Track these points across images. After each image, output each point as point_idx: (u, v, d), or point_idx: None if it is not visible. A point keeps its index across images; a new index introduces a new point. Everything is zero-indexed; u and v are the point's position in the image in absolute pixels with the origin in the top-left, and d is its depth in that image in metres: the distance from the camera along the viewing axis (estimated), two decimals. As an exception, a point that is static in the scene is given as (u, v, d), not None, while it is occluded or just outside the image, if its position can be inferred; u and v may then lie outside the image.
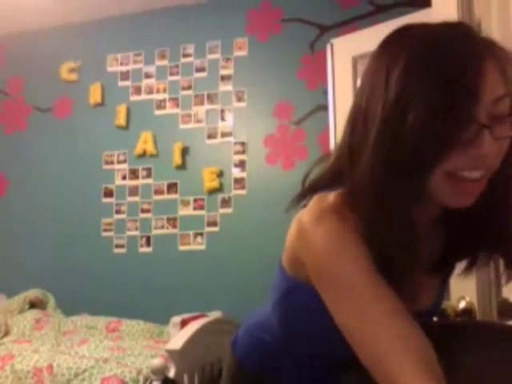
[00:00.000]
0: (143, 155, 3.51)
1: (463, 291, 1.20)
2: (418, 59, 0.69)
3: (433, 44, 0.69)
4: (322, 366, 0.90)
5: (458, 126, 0.67)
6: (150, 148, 3.49)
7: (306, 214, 0.77)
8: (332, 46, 2.20)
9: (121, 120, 3.57)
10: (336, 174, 0.81)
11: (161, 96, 3.56)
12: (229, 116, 3.42)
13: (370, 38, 2.04)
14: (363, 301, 0.70)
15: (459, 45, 0.68)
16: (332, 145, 2.21)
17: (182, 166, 3.43)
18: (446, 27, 0.72)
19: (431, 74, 0.67)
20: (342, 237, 0.73)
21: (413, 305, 0.74)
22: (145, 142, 3.50)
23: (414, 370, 0.63)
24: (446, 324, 1.04)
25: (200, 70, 3.52)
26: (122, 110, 3.58)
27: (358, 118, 0.76)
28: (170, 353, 2.11)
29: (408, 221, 0.72)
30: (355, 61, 2.08)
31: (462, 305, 1.19)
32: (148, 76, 3.62)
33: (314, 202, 0.79)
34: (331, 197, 0.77)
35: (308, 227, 0.76)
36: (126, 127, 3.59)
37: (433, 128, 0.66)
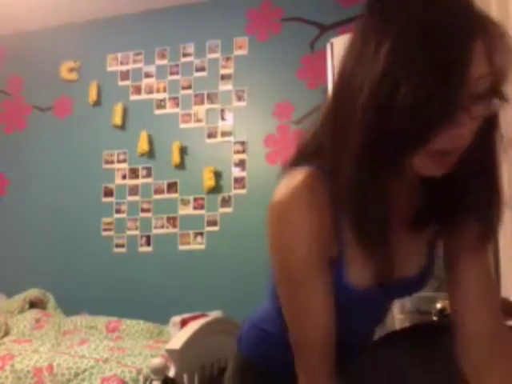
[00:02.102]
0: (143, 155, 3.51)
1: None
2: (410, 32, 0.66)
3: (425, 17, 0.66)
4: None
5: (445, 107, 0.65)
6: (150, 147, 3.49)
7: (275, 195, 0.80)
8: (332, 45, 2.20)
9: (120, 120, 3.56)
10: (314, 150, 0.81)
11: (161, 95, 3.56)
12: (229, 115, 3.42)
13: (369, 37, 2.03)
14: (295, 287, 0.80)
15: (452, 20, 0.65)
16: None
17: (182, 166, 3.43)
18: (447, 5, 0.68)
19: (422, 50, 0.64)
20: (297, 227, 0.77)
21: (392, 269, 0.79)
22: (145, 141, 3.50)
23: (320, 363, 0.82)
24: (446, 323, 1.04)
25: (200, 69, 3.52)
26: (121, 109, 3.57)
27: (342, 93, 0.75)
28: (170, 352, 2.11)
29: (386, 196, 0.74)
30: (355, 60, 2.07)
31: (462, 305, 1.18)
32: (148, 75, 3.61)
33: (284, 181, 0.80)
34: (302, 175, 0.78)
35: (271, 212, 0.80)
36: (126, 127, 3.59)
37: (422, 107, 0.64)
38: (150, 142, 3.50)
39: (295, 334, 0.85)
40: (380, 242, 0.76)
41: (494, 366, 0.82)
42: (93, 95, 3.65)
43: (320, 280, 0.80)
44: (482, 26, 0.68)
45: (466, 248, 0.84)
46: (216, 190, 3.35)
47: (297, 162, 0.82)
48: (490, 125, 0.73)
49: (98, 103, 3.66)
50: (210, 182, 3.33)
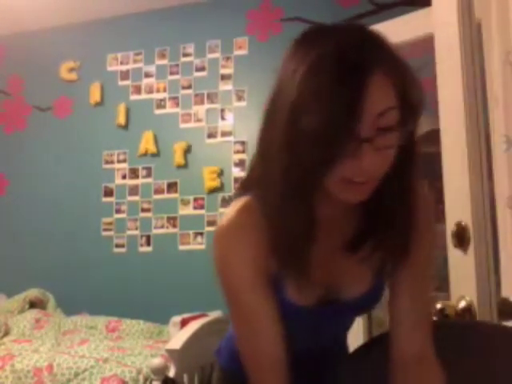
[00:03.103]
0: (144, 154, 3.51)
1: (463, 291, 1.20)
2: (318, 64, 0.70)
3: (332, 52, 0.70)
4: (299, 368, 0.91)
5: (340, 140, 0.69)
6: (150, 147, 3.49)
7: (219, 221, 0.86)
8: (332, 45, 2.19)
9: (121, 119, 3.56)
10: (251, 176, 0.88)
11: (161, 95, 3.56)
12: (229, 115, 3.42)
13: (369, 37, 2.03)
14: (242, 309, 0.84)
15: (348, 56, 0.69)
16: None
17: (182, 166, 3.43)
18: (345, 33, 0.74)
19: (326, 83, 0.69)
20: (236, 249, 0.83)
21: (324, 289, 0.85)
22: (145, 141, 3.50)
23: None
24: (447, 323, 1.04)
25: (200, 69, 3.52)
26: (121, 109, 3.57)
27: (267, 116, 0.82)
28: (170, 353, 2.11)
29: (308, 218, 0.78)
30: (355, 60, 2.08)
31: (462, 304, 1.19)
32: (148, 75, 3.61)
33: (228, 209, 0.86)
34: (240, 205, 0.84)
35: (214, 238, 0.85)
36: (126, 127, 3.59)
37: (322, 137, 0.69)
38: (151, 141, 3.50)
39: (245, 354, 0.87)
40: (299, 262, 0.80)
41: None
42: (96, 95, 3.65)
43: (263, 298, 0.84)
44: (381, 60, 0.71)
45: (401, 273, 0.88)
46: (216, 189, 3.35)
47: (241, 190, 0.89)
48: (407, 154, 0.77)
49: (98, 103, 3.66)
50: (212, 182, 3.33)
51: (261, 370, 0.84)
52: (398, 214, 0.81)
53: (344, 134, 0.69)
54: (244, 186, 0.89)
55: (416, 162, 0.80)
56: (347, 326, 1.06)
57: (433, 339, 0.87)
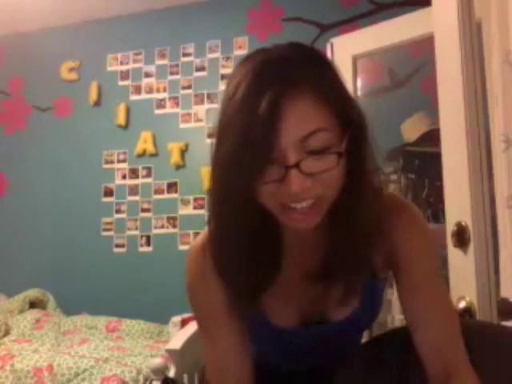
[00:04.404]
0: (143, 154, 3.51)
1: (463, 291, 1.20)
2: (234, 92, 0.68)
3: (246, 72, 0.68)
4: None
5: (259, 168, 0.66)
6: (150, 147, 3.48)
7: (194, 244, 0.88)
8: (332, 45, 2.19)
9: (120, 119, 3.56)
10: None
11: (161, 95, 3.56)
12: (229, 115, 3.41)
13: (370, 37, 2.03)
14: (209, 330, 0.86)
15: (265, 72, 0.66)
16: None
17: (182, 166, 3.43)
18: (274, 50, 0.72)
19: (234, 114, 0.66)
20: (200, 276, 0.84)
21: (304, 312, 0.85)
22: (145, 141, 3.50)
23: None
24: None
25: (200, 69, 3.52)
26: (121, 109, 3.57)
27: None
28: (170, 353, 2.11)
29: (251, 248, 0.76)
30: (355, 60, 2.08)
31: (462, 305, 1.19)
32: (148, 75, 3.61)
33: (198, 236, 0.88)
34: (200, 236, 0.86)
35: (186, 262, 0.88)
36: (126, 126, 3.59)
37: (237, 166, 0.66)
38: (150, 141, 3.49)
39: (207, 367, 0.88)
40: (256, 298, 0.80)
41: None
42: (94, 95, 3.65)
43: (230, 328, 0.84)
44: (313, 79, 0.67)
45: (404, 289, 0.85)
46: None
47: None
48: (354, 176, 0.73)
49: (98, 103, 3.66)
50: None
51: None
52: (353, 236, 0.77)
53: (260, 157, 0.65)
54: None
55: (370, 182, 0.76)
56: (353, 344, 1.02)
57: (464, 349, 0.80)
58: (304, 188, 0.67)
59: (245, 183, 0.67)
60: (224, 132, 0.69)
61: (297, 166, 0.66)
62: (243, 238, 0.75)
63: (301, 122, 0.66)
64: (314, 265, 0.82)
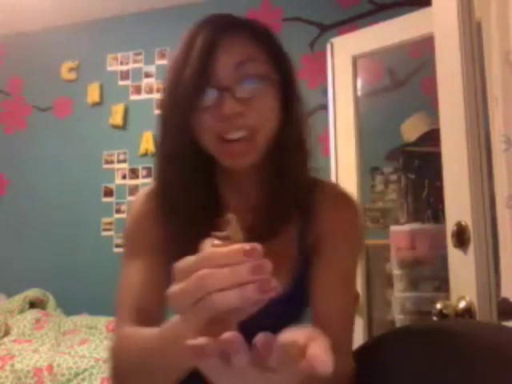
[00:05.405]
0: (146, 155, 3.51)
1: (463, 291, 1.20)
2: (185, 34, 0.82)
3: (196, 23, 0.84)
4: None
5: (196, 93, 0.73)
6: (150, 147, 3.48)
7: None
8: (332, 45, 2.20)
9: (120, 119, 3.56)
10: None
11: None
12: (229, 115, 3.41)
13: (370, 37, 2.03)
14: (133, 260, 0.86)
15: (211, 18, 0.84)
16: (332, 144, 2.20)
17: (182, 166, 3.43)
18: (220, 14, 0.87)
19: (180, 52, 0.79)
20: (141, 214, 0.87)
21: None
22: (146, 141, 3.50)
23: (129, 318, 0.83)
24: (446, 323, 1.03)
25: (200, 69, 3.52)
26: (121, 109, 3.57)
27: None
28: (170, 352, 2.11)
29: (191, 185, 0.80)
30: (355, 60, 2.08)
31: (462, 304, 1.19)
32: (148, 75, 3.61)
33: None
34: (146, 188, 0.92)
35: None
36: (126, 127, 3.59)
37: (176, 95, 0.76)
38: (151, 142, 3.49)
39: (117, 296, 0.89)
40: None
41: None
42: (94, 95, 3.65)
43: (156, 262, 0.85)
44: (250, 24, 0.82)
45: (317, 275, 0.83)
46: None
47: None
48: (284, 122, 0.80)
49: (98, 103, 3.66)
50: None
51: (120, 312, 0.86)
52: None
53: (197, 80, 0.73)
54: None
55: (299, 137, 0.84)
56: (285, 321, 0.99)
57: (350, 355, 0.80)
58: (236, 112, 0.72)
59: (185, 109, 0.74)
60: (168, 77, 0.81)
61: (230, 89, 0.72)
62: (184, 175, 0.79)
63: (235, 52, 0.75)
64: (249, 210, 0.83)
